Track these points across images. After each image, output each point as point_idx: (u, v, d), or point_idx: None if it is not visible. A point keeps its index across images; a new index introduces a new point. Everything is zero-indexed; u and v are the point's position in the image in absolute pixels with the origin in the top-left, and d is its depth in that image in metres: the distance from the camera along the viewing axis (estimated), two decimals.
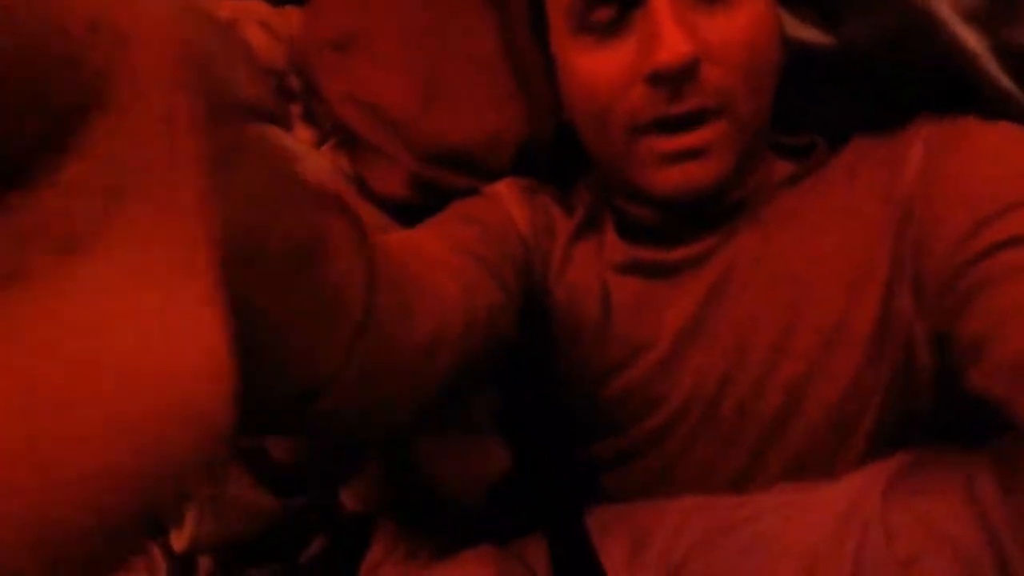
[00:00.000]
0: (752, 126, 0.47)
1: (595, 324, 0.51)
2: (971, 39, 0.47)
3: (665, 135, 0.45)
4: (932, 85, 0.48)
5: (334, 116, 0.61)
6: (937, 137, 0.46)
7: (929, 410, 0.45)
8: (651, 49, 0.42)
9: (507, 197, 0.55)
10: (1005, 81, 0.47)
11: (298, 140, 0.64)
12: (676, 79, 0.43)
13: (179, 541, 0.52)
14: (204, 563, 0.60)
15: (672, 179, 0.46)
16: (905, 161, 0.46)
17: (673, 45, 0.41)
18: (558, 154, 0.59)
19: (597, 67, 0.46)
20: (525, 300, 0.51)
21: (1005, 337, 0.35)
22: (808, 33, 0.51)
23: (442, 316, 0.35)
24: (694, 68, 0.42)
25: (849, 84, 0.52)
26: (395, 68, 0.58)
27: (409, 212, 0.60)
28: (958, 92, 0.48)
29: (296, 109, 0.65)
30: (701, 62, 0.43)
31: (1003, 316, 0.36)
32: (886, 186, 0.46)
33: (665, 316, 0.49)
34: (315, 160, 0.57)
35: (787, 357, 0.46)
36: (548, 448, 0.54)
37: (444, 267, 0.40)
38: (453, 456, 0.53)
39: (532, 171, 0.60)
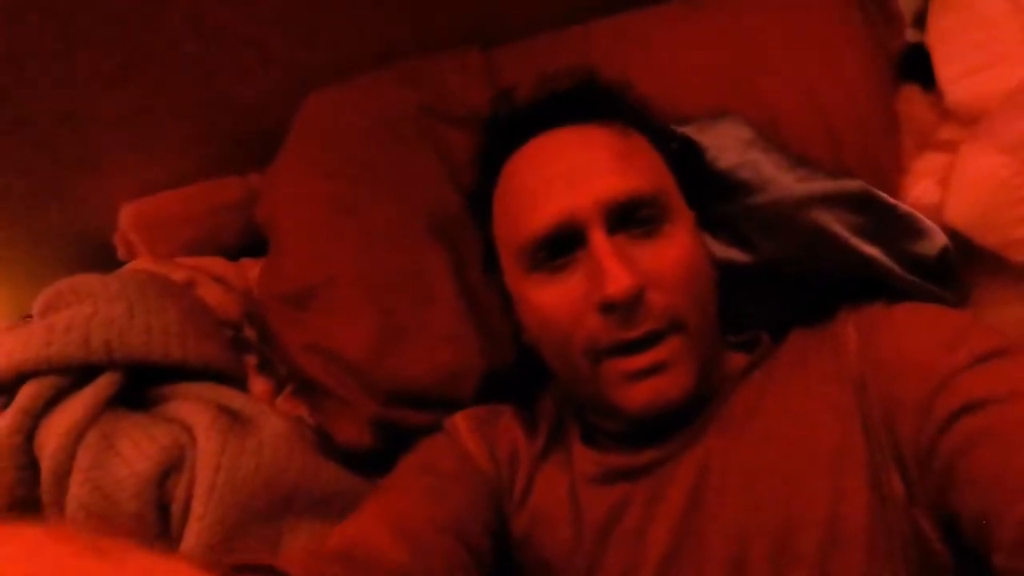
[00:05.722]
0: (704, 337, 0.49)
1: (567, 547, 0.48)
2: (870, 248, 0.53)
3: (626, 356, 0.47)
4: (846, 281, 0.54)
5: (293, 366, 0.60)
6: (864, 321, 0.49)
7: None
8: (598, 283, 0.46)
9: (464, 433, 0.55)
10: (911, 277, 0.53)
11: (255, 393, 0.63)
12: (625, 307, 0.46)
13: None
14: None
15: (642, 395, 0.46)
16: (844, 344, 0.48)
17: (617, 278, 0.44)
18: (520, 371, 0.60)
19: (552, 300, 0.48)
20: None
21: (1002, 520, 0.35)
22: (731, 253, 0.57)
23: None
24: (640, 296, 0.45)
25: (775, 288, 0.57)
26: (353, 315, 0.59)
27: (370, 457, 0.58)
28: (868, 283, 0.53)
29: (251, 360, 0.65)
30: (645, 290, 0.46)
31: (988, 492, 0.36)
32: (836, 369, 0.48)
33: (647, 533, 0.46)
34: (273, 424, 0.55)
35: (790, 566, 0.43)
36: None
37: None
38: None
39: (496, 395, 0.60)
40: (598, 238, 0.46)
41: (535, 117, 0.53)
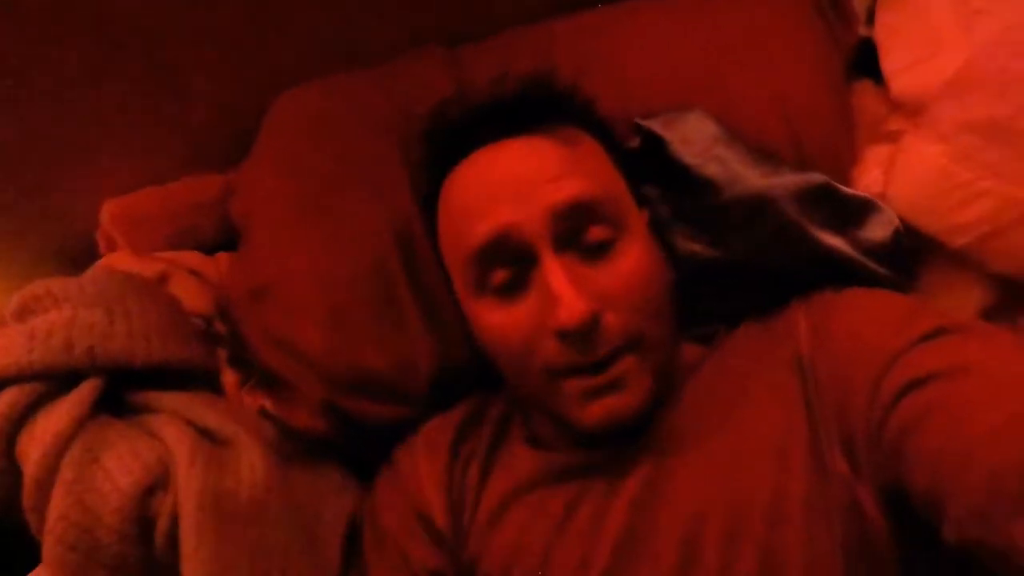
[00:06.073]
0: (662, 343, 0.49)
1: (512, 552, 0.49)
2: (833, 240, 0.54)
3: (583, 377, 0.46)
4: (807, 273, 0.55)
5: (255, 358, 0.61)
6: (814, 308, 0.51)
7: (898, 569, 0.43)
8: (552, 309, 0.44)
9: (427, 481, 0.55)
10: (873, 265, 0.55)
11: (225, 384, 0.64)
12: (580, 334, 0.44)
13: None
14: None
15: (596, 413, 0.46)
16: (795, 331, 0.50)
17: (571, 305, 0.43)
18: (474, 368, 0.60)
19: (505, 324, 0.47)
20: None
21: (951, 492, 0.36)
22: (697, 247, 0.58)
23: None
24: (595, 322, 0.44)
25: (737, 280, 0.58)
26: (307, 309, 0.60)
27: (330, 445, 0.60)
28: (828, 276, 0.54)
29: (223, 353, 0.66)
30: (601, 314, 0.45)
31: (937, 466, 0.37)
32: (785, 356, 0.49)
33: (604, 522, 0.48)
34: (250, 456, 0.55)
35: (738, 543, 0.44)
36: None
37: None
38: None
39: (455, 389, 0.61)
40: (548, 261, 0.46)
41: (476, 129, 0.51)
